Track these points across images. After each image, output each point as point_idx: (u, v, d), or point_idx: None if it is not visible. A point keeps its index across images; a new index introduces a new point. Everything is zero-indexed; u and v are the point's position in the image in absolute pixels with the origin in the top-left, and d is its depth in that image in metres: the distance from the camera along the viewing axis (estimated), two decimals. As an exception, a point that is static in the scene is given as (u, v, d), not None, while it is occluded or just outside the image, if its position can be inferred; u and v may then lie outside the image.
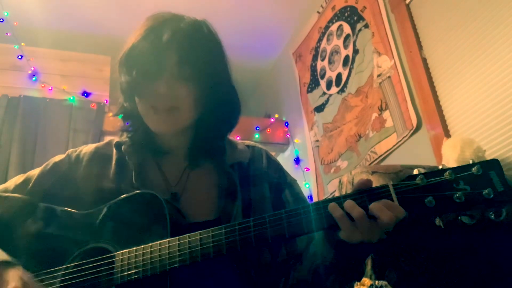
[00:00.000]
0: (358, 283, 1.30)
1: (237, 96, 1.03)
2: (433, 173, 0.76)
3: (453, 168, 0.75)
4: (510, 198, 0.71)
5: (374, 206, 0.76)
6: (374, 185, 0.80)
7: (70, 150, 1.07)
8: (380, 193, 0.78)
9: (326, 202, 0.80)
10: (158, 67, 0.93)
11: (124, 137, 1.06)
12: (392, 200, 0.77)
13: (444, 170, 0.75)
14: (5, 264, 0.85)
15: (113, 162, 1.01)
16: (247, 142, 1.12)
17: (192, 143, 1.03)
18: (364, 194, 0.79)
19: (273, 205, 1.00)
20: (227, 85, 1.01)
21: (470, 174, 0.74)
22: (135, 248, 0.86)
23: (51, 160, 1.06)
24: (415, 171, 0.77)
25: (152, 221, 0.88)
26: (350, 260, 0.84)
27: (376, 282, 1.28)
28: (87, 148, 1.06)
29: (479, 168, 0.74)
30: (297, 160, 3.23)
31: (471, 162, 0.75)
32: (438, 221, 0.76)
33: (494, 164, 0.74)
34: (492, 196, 0.71)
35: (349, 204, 0.78)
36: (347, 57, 2.77)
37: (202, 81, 0.95)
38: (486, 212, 0.72)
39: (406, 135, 2.21)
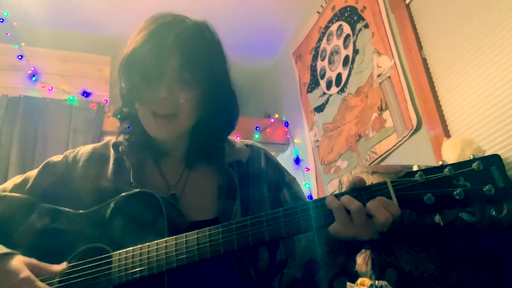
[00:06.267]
0: (358, 283, 1.29)
1: (236, 99, 1.03)
2: (433, 169, 0.75)
3: (453, 164, 0.74)
4: (511, 194, 0.70)
5: (371, 204, 0.76)
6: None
7: (67, 151, 1.07)
8: (378, 190, 0.77)
9: (324, 200, 0.79)
10: (160, 72, 0.92)
11: (122, 138, 1.05)
12: (390, 198, 0.76)
13: (443, 166, 0.74)
14: (5, 256, 0.84)
15: (111, 162, 1.01)
16: (246, 141, 1.12)
17: (190, 145, 1.02)
18: (362, 191, 0.78)
19: (271, 205, 0.99)
20: (227, 89, 1.01)
21: (471, 170, 0.73)
22: (132, 248, 0.85)
23: (48, 160, 1.05)
24: (415, 167, 0.76)
25: (150, 220, 0.88)
26: (339, 257, 0.83)
27: (376, 282, 1.28)
28: (84, 149, 1.06)
29: (480, 163, 0.72)
30: (297, 160, 3.23)
31: (471, 158, 0.74)
32: (437, 219, 0.75)
33: (495, 159, 0.72)
34: (493, 192, 0.70)
35: (346, 198, 0.77)
36: (347, 57, 2.77)
37: (203, 86, 0.95)
38: (487, 209, 0.71)
39: (406, 135, 2.21)
